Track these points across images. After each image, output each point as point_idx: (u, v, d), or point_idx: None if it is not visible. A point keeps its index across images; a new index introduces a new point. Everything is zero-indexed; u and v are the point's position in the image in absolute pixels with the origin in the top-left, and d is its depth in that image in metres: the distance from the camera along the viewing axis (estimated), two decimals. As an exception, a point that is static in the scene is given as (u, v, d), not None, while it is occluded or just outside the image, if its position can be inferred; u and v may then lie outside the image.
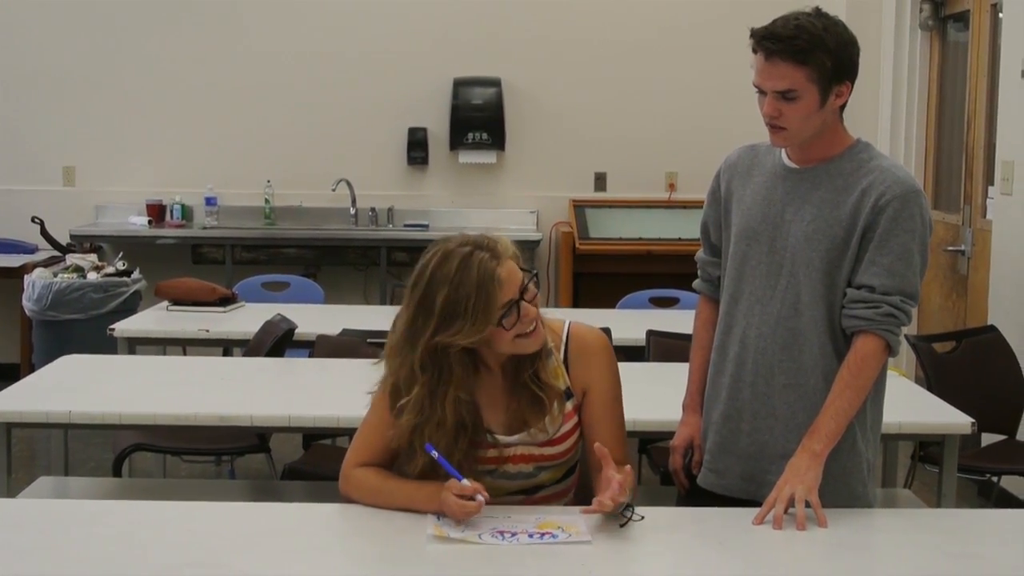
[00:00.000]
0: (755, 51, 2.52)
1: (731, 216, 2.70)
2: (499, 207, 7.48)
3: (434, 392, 2.44)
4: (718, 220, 2.76)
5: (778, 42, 2.46)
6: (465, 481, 2.38)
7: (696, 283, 2.87)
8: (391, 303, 5.62)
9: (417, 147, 7.42)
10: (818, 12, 2.53)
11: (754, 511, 2.47)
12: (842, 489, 2.58)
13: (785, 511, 2.43)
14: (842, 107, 2.57)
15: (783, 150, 2.63)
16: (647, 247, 6.96)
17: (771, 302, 2.60)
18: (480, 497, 2.36)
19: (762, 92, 2.52)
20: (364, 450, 2.57)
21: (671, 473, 2.85)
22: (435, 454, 2.42)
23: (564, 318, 2.66)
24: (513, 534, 2.34)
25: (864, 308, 2.52)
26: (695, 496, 2.75)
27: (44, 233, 6.94)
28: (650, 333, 4.27)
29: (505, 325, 2.41)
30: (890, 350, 2.55)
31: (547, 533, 2.35)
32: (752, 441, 2.64)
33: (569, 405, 2.57)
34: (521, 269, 2.45)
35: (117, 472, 4.05)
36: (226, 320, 4.85)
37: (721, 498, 2.68)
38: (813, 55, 2.45)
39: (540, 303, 2.51)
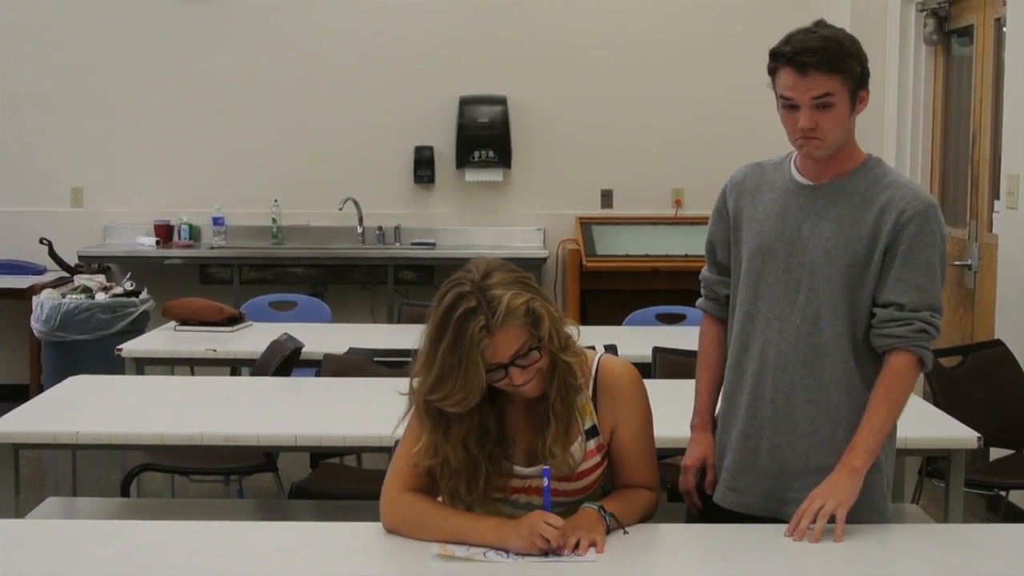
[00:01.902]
0: (773, 72, 2.53)
1: (741, 234, 2.69)
2: (506, 225, 7.50)
3: (440, 436, 2.43)
4: (726, 238, 2.75)
5: (813, 55, 2.48)
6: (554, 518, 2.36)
7: (700, 302, 2.85)
8: (398, 322, 5.61)
9: (424, 165, 7.44)
10: (825, 24, 2.56)
11: (770, 527, 2.48)
12: (867, 504, 2.57)
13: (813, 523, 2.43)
14: None
15: (792, 167, 2.65)
16: (654, 264, 6.96)
17: (790, 318, 2.60)
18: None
19: (793, 107, 2.53)
20: (406, 473, 2.50)
21: (683, 493, 2.82)
22: (545, 481, 2.40)
23: (596, 351, 2.61)
24: (518, 552, 2.34)
25: (896, 326, 2.53)
26: (711, 515, 2.73)
27: (52, 254, 6.96)
28: (656, 350, 4.26)
29: (490, 379, 2.38)
30: (923, 364, 2.56)
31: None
32: (773, 459, 2.63)
33: (592, 444, 2.52)
34: (533, 332, 2.36)
35: (125, 492, 4.06)
36: (233, 340, 4.86)
37: (739, 516, 2.66)
38: (845, 62, 2.50)
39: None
